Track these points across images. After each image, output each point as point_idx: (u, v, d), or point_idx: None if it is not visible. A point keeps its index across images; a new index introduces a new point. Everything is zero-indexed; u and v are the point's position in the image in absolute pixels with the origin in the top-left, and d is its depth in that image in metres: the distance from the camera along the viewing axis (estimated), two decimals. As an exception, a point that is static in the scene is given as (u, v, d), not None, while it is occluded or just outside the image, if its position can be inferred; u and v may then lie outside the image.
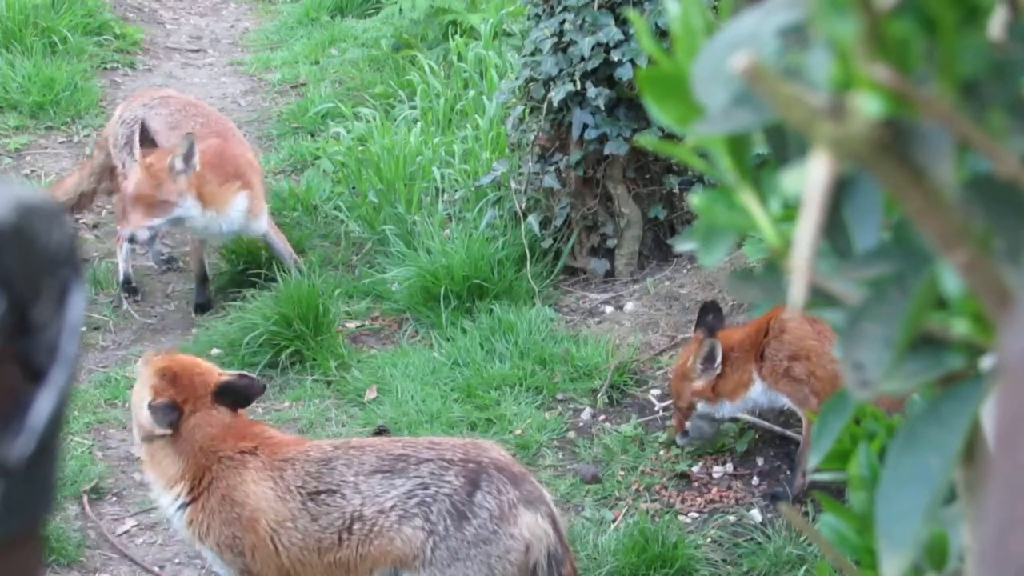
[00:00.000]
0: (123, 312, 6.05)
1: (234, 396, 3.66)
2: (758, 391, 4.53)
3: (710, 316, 4.62)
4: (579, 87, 5.57)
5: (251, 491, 3.58)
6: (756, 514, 4.50)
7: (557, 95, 5.59)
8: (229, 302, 5.98)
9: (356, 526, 3.52)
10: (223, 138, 6.00)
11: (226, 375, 3.72)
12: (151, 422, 3.61)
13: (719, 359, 4.50)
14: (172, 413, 3.59)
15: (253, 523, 3.56)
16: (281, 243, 6.06)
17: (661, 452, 4.82)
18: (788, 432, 4.80)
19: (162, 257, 6.47)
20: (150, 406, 3.60)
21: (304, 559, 3.57)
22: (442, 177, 6.45)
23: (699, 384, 4.55)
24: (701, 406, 4.59)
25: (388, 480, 3.54)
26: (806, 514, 4.32)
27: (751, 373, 4.52)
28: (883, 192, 0.74)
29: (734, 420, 4.83)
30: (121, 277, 6.15)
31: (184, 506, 3.63)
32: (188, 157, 5.52)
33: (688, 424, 4.66)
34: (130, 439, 4.61)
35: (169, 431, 3.60)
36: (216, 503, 3.60)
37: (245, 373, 3.89)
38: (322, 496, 3.56)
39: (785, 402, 4.56)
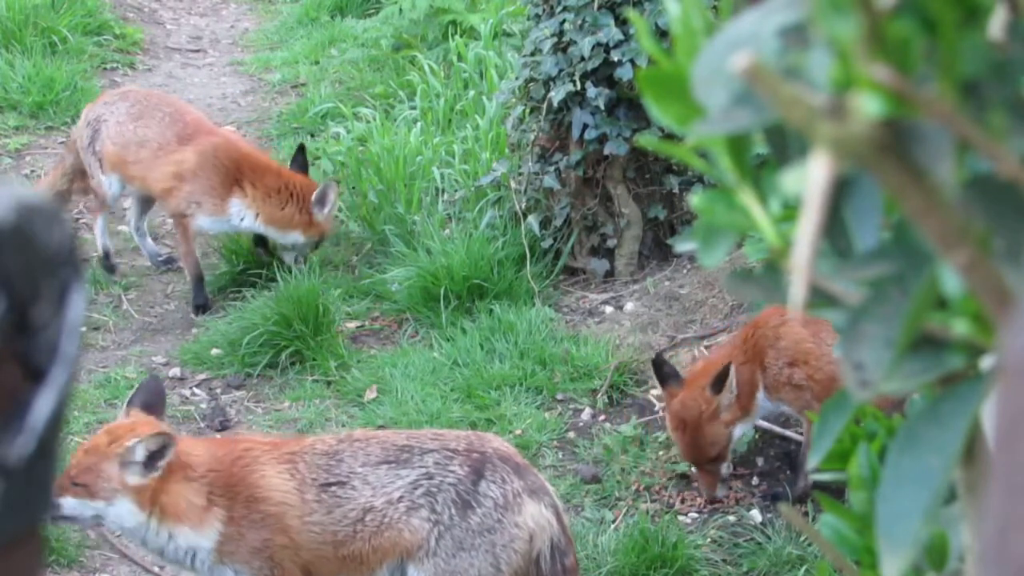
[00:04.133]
0: (123, 312, 6.05)
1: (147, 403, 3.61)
2: (762, 397, 4.50)
3: (665, 368, 4.47)
4: (579, 87, 5.57)
5: (273, 484, 3.52)
6: (756, 514, 4.49)
7: (557, 95, 5.59)
8: (229, 302, 5.98)
9: (368, 517, 3.51)
10: (212, 133, 6.05)
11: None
12: (141, 472, 3.43)
13: (734, 382, 4.38)
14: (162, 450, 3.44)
15: (280, 519, 3.50)
16: None
17: (661, 452, 4.82)
18: (788, 432, 4.79)
19: (160, 258, 6.47)
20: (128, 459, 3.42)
21: (322, 553, 3.55)
22: (442, 177, 6.45)
23: (728, 415, 4.42)
24: (738, 430, 4.48)
25: (394, 470, 3.54)
26: (806, 514, 4.31)
27: (755, 382, 4.46)
28: (883, 192, 0.74)
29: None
30: (100, 251, 6.15)
31: (220, 532, 3.49)
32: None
33: (724, 466, 4.54)
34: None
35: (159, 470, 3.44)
36: (243, 509, 3.50)
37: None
38: (333, 488, 3.54)
39: (785, 410, 4.53)
